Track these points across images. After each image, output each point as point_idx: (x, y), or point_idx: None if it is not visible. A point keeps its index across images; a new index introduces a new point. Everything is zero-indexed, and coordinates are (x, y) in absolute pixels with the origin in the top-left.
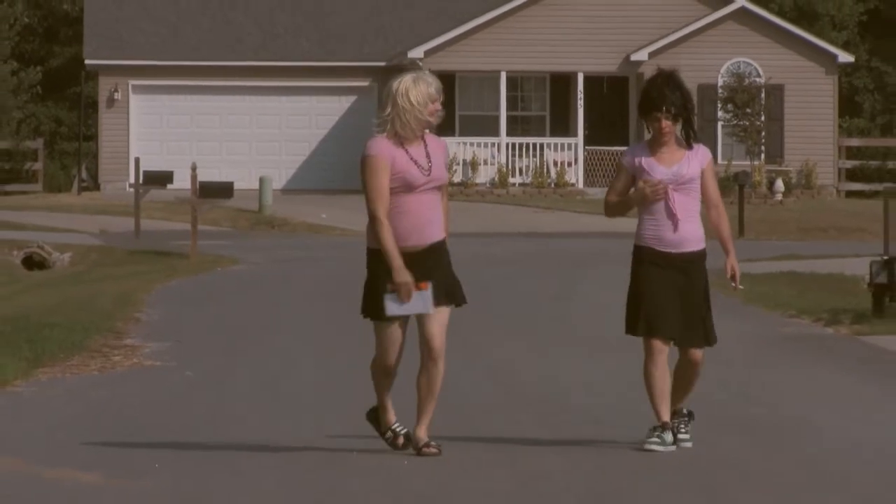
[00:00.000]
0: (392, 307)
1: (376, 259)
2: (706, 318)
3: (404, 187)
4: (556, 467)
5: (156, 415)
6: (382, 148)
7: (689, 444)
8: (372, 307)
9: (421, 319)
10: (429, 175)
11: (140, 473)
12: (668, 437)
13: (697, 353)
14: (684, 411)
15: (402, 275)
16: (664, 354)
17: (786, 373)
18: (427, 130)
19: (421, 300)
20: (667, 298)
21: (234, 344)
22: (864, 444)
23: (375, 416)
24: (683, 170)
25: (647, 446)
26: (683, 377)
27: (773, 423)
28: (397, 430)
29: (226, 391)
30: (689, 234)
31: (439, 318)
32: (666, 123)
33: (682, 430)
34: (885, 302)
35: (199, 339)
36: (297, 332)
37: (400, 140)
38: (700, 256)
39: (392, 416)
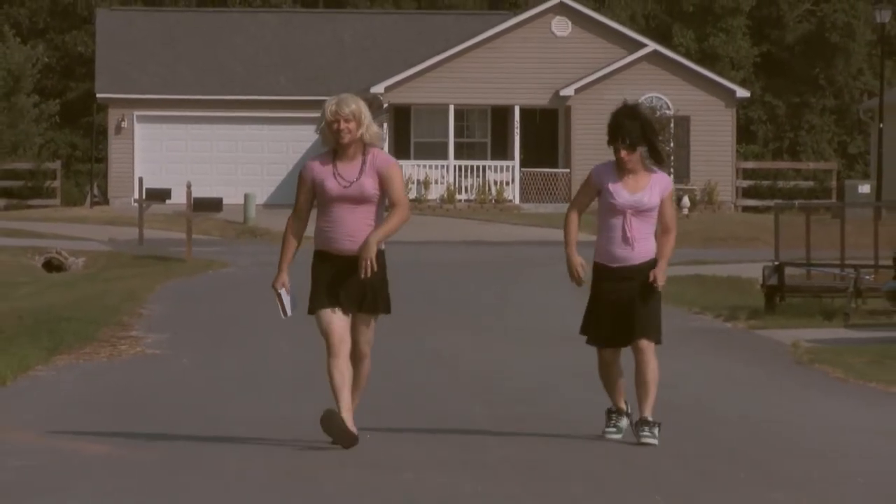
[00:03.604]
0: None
1: (315, 259)
2: (654, 315)
3: (323, 197)
4: (491, 440)
5: (156, 396)
6: (308, 167)
7: (654, 442)
8: (309, 302)
9: (352, 325)
10: (346, 188)
11: (141, 447)
12: (623, 422)
13: (644, 343)
14: (649, 419)
15: (275, 279)
16: (613, 357)
17: (689, 360)
18: (377, 147)
19: (285, 302)
20: (616, 312)
21: (225, 335)
22: (750, 417)
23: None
24: (645, 198)
25: (606, 434)
26: (641, 375)
27: (675, 402)
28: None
29: (217, 377)
30: (641, 252)
31: (361, 326)
32: (625, 153)
33: (647, 434)
34: (775, 301)
35: (194, 331)
36: (279, 326)
37: (335, 155)
38: (649, 264)
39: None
